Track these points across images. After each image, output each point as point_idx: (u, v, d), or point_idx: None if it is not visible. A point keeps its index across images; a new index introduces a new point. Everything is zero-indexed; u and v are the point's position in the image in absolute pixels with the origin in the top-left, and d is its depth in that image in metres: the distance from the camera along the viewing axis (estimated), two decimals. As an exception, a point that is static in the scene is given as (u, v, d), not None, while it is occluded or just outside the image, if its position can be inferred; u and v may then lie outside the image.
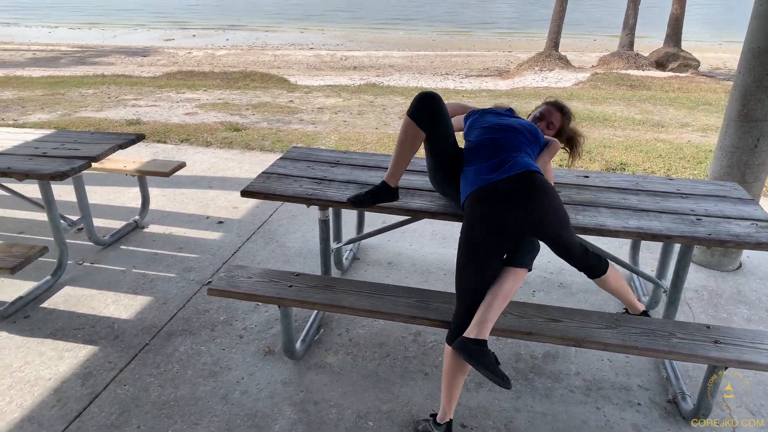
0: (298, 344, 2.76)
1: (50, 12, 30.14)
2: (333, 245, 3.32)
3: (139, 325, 2.97)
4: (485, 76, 14.97)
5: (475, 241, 2.13)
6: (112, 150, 3.25)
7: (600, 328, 2.30)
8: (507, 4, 35.62)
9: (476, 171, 2.24)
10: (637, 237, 2.43)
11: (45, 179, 2.89)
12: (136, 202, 4.33)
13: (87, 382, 2.57)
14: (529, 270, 2.26)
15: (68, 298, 3.17)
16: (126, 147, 3.35)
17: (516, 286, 2.20)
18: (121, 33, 23.95)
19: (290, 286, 2.53)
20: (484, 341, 2.08)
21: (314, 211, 4.20)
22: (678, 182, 2.95)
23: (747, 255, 3.71)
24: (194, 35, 23.56)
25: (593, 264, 2.36)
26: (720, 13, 30.62)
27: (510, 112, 2.61)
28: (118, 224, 3.98)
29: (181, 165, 3.91)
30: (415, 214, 2.61)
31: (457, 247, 2.21)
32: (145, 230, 3.97)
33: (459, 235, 2.20)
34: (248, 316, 3.06)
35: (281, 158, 3.17)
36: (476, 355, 2.05)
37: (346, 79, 12.30)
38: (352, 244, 3.67)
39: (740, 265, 3.64)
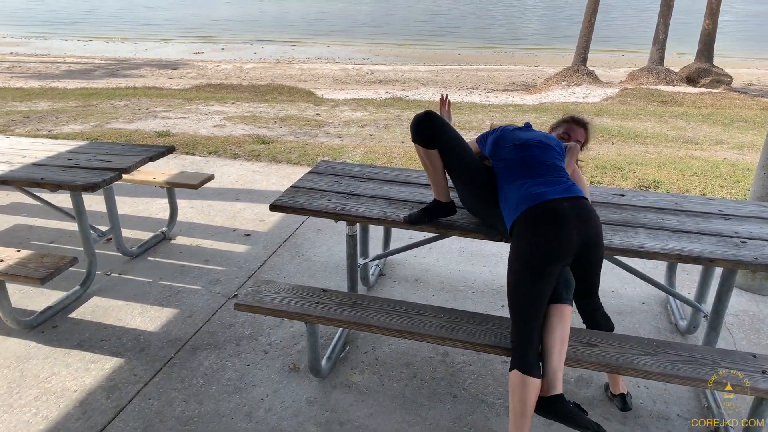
0: (323, 362, 2.71)
1: (85, 26, 31.05)
2: (360, 261, 3.27)
3: (164, 337, 2.95)
4: (511, 90, 14.88)
5: (547, 260, 2.06)
6: (143, 162, 3.27)
7: (639, 354, 2.20)
8: (534, 20, 35.53)
9: (522, 188, 2.19)
10: (677, 259, 2.33)
11: (77, 190, 2.91)
12: (164, 214, 4.35)
13: (112, 395, 2.56)
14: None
15: (96, 309, 3.18)
16: (156, 159, 3.36)
17: (569, 326, 2.15)
18: (152, 46, 24.50)
19: (317, 303, 2.48)
20: (563, 395, 2.04)
21: (340, 226, 4.19)
22: (719, 202, 2.84)
23: (790, 279, 3.55)
24: (223, 48, 23.98)
25: (602, 321, 2.34)
26: (753, 29, 30.01)
27: (528, 126, 2.56)
28: (146, 235, 4.00)
29: (210, 177, 3.92)
30: (444, 231, 2.55)
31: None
32: (173, 242, 3.98)
33: (510, 255, 2.14)
34: (273, 331, 3.03)
35: (309, 172, 3.15)
36: (564, 413, 2.01)
37: (371, 93, 12.35)
38: (378, 260, 3.62)
39: (785, 289, 3.49)
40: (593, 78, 14.88)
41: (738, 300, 3.37)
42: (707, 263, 2.30)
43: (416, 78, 16.33)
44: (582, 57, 15.83)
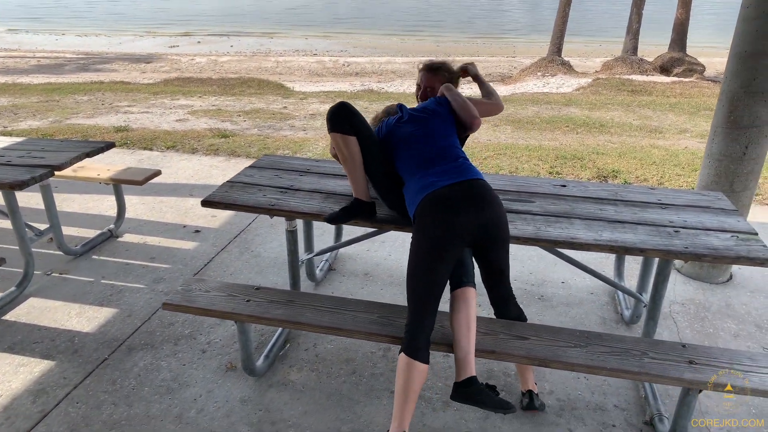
0: (260, 360, 2.65)
1: (61, 19, 30.43)
2: (304, 256, 3.22)
3: (100, 338, 2.88)
4: (488, 82, 14.84)
5: (438, 245, 2.04)
6: (79, 158, 3.17)
7: (569, 347, 2.17)
8: (513, 12, 35.52)
9: (418, 181, 2.17)
10: (610, 250, 2.30)
11: (5, 188, 2.82)
12: (114, 210, 4.25)
13: (39, 399, 2.48)
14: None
15: (31, 310, 3.09)
16: (93, 155, 3.27)
17: (475, 308, 2.15)
18: (127, 40, 24.07)
19: (248, 301, 2.43)
20: (474, 377, 2.04)
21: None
22: (660, 192, 2.82)
23: (738, 266, 3.57)
24: (199, 42, 23.63)
25: (513, 311, 2.33)
26: (727, 18, 30.30)
27: (401, 108, 2.48)
28: (93, 233, 3.90)
29: (156, 173, 3.83)
30: (381, 226, 2.51)
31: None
32: (120, 240, 3.89)
33: (410, 246, 2.12)
34: (213, 330, 2.96)
35: (249, 167, 3.08)
36: (474, 396, 2.01)
37: (346, 85, 12.24)
38: (328, 254, 3.56)
39: (731, 277, 3.50)
40: (568, 68, 14.91)
41: (685, 288, 3.37)
42: (639, 253, 2.28)
43: (393, 70, 16.23)
44: (557, 47, 15.84)
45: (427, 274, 2.05)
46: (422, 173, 2.18)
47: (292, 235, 2.86)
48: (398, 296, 3.26)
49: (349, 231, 3.90)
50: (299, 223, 3.04)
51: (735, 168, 3.17)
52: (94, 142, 3.43)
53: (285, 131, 6.60)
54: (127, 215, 4.17)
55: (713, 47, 20.77)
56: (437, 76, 2.58)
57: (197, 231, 4.02)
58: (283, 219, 3.55)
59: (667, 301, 3.19)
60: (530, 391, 2.43)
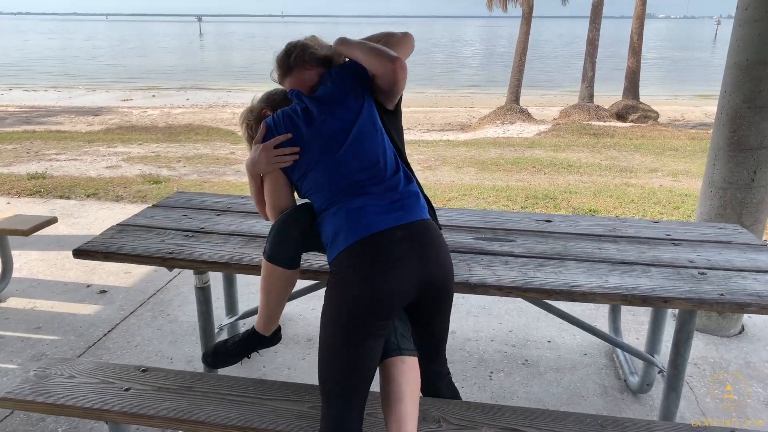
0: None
1: (9, 75, 29.49)
2: (225, 320, 2.52)
3: (-65, 445, 2.09)
4: (447, 130, 14.66)
5: (367, 311, 1.40)
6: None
7: (578, 442, 1.54)
8: (469, 66, 36.42)
9: (342, 213, 1.49)
10: (621, 301, 1.72)
11: None
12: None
13: None
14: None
15: None
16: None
17: (419, 379, 1.54)
18: (78, 94, 23.31)
19: (126, 390, 1.72)
20: None
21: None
22: (666, 225, 2.29)
23: (749, 316, 3.04)
24: (153, 95, 23.07)
25: (447, 391, 1.71)
26: (673, 70, 31.70)
27: (298, 96, 1.63)
28: (-32, 298, 3.11)
29: (50, 221, 3.11)
30: (317, 276, 1.87)
31: None
32: (1, 304, 3.11)
33: (323, 304, 1.48)
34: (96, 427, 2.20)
35: (153, 206, 2.42)
36: None
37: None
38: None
39: (743, 329, 2.96)
40: (527, 116, 14.89)
41: (695, 345, 2.79)
42: (661, 304, 1.70)
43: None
44: (515, 96, 15.91)
45: (352, 353, 1.41)
46: (344, 202, 1.50)
47: (203, 293, 2.18)
48: (348, 367, 2.57)
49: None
50: (216, 278, 2.37)
51: (743, 197, 2.68)
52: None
53: (228, 176, 5.95)
54: (19, 274, 3.41)
55: (663, 96, 21.41)
56: (304, 67, 1.67)
57: (103, 291, 3.27)
58: (212, 275, 2.87)
59: (677, 361, 2.60)
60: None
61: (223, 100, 21.59)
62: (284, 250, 1.62)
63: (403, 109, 1.83)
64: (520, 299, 3.20)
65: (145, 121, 14.63)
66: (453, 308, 3.10)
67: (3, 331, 2.85)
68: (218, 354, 1.85)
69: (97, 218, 4.45)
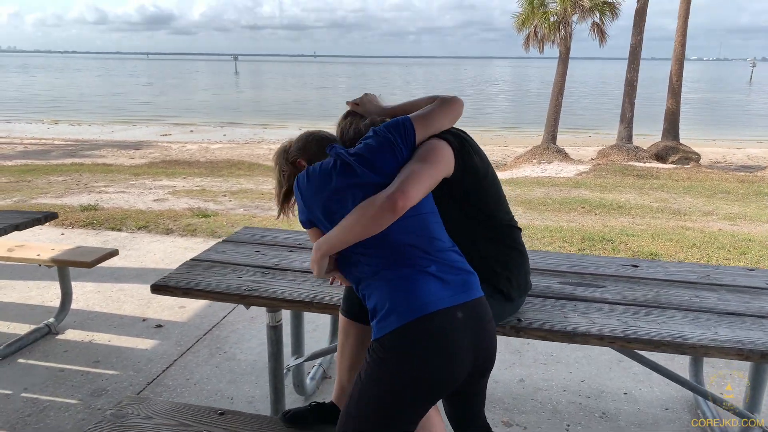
0: None
1: (55, 108, 30.79)
2: (291, 362, 2.44)
3: (-1, 482, 2.03)
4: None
5: (429, 395, 1.32)
6: (4, 231, 2.46)
7: None
8: (501, 106, 36.62)
9: (392, 282, 1.35)
10: (737, 356, 1.58)
11: None
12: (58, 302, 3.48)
13: None
14: None
15: None
16: (24, 228, 2.58)
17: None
18: (120, 129, 24.12)
19: (206, 434, 1.64)
20: None
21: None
22: (764, 273, 2.14)
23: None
24: (191, 131, 23.72)
25: None
26: (710, 113, 31.30)
27: (342, 162, 1.43)
28: (27, 329, 3.11)
29: (111, 253, 3.12)
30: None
31: None
32: (59, 337, 3.09)
33: (370, 375, 1.34)
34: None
35: (223, 241, 2.39)
36: None
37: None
38: (321, 358, 2.78)
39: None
40: (564, 155, 14.75)
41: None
42: (783, 362, 1.56)
43: (386, 157, 16.02)
44: (551, 135, 15.82)
45: (404, 426, 1.33)
46: (393, 271, 1.35)
47: (275, 332, 2.11)
48: (415, 414, 2.45)
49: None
50: (285, 316, 2.30)
51: (838, 245, 2.51)
52: (30, 213, 2.74)
53: (274, 211, 5.96)
54: (75, 306, 3.40)
55: (702, 139, 21.04)
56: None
57: (159, 326, 3.24)
58: (263, 310, 2.81)
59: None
60: None
61: (259, 137, 22.07)
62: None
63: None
64: (587, 346, 3.05)
65: (184, 156, 14.98)
66: (518, 354, 2.97)
67: (63, 364, 2.82)
68: (297, 420, 1.73)
69: (149, 251, 4.47)
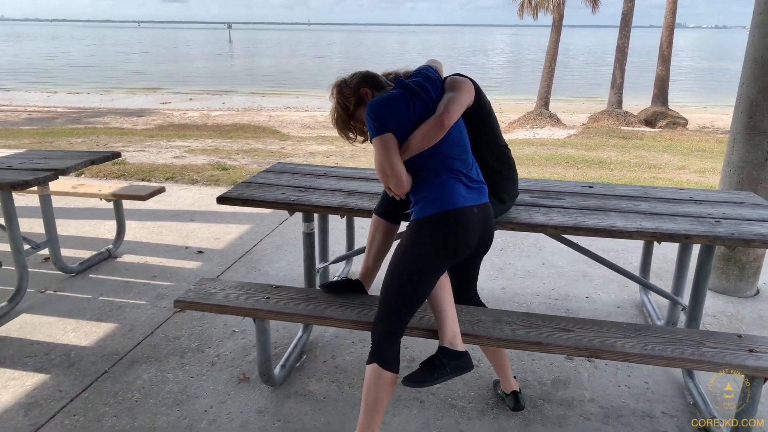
0: (277, 370, 2.44)
1: (52, 78, 30.85)
2: (318, 265, 3.06)
3: (99, 352, 2.65)
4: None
5: (448, 262, 1.92)
6: (83, 164, 3.04)
7: (618, 338, 2.02)
8: (494, 73, 36.81)
9: (445, 182, 1.92)
10: (651, 237, 2.20)
11: (5, 188, 2.66)
12: (112, 234, 4.07)
13: (31, 412, 2.23)
14: None
15: (24, 326, 2.86)
16: (99, 163, 3.15)
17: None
18: (119, 97, 24.36)
19: (267, 299, 2.25)
20: (466, 352, 1.98)
21: (301, 241, 3.97)
22: (689, 191, 2.75)
23: (764, 282, 3.46)
24: (191, 99, 23.95)
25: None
26: (702, 80, 31.69)
27: (426, 77, 2.01)
28: (90, 254, 3.70)
29: (160, 189, 3.70)
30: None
31: None
32: (119, 260, 3.70)
33: (404, 244, 1.90)
34: (223, 342, 2.75)
35: (264, 171, 2.97)
36: (465, 367, 1.96)
37: (335, 135, 12.34)
38: (343, 264, 3.40)
39: (758, 292, 3.38)
40: (556, 121, 15.27)
41: (714, 302, 3.24)
42: (683, 240, 2.17)
43: (384, 123, 16.46)
44: (544, 101, 16.30)
45: (427, 287, 1.91)
46: (448, 175, 1.92)
47: (309, 237, 2.71)
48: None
49: (363, 237, 3.74)
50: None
51: (758, 174, 3.12)
52: (99, 152, 3.30)
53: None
54: (125, 238, 3.99)
55: (692, 104, 21.50)
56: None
57: (200, 252, 3.84)
58: (290, 241, 3.46)
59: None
60: (515, 392, 2.30)
61: (257, 104, 22.39)
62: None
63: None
64: (562, 265, 3.67)
65: (186, 122, 15.41)
66: (501, 271, 3.59)
67: (127, 278, 3.42)
68: (332, 288, 2.31)
69: (179, 197, 5.04)
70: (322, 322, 2.13)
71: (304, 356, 2.65)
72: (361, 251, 3.00)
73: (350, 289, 2.32)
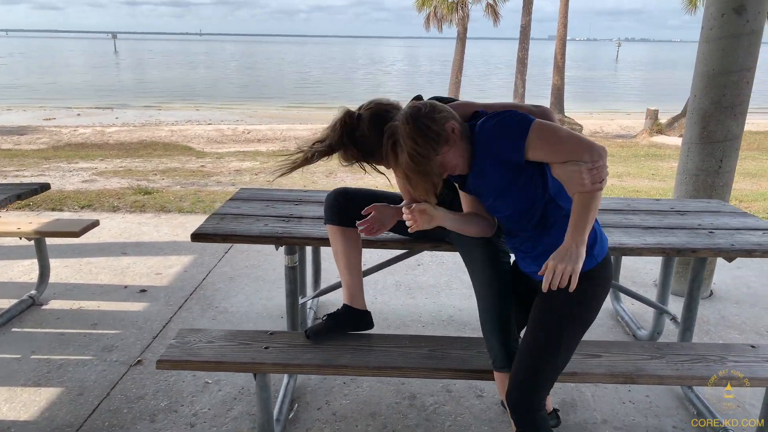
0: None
1: None
2: (306, 297, 2.78)
3: (46, 426, 2.21)
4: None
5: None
6: (8, 201, 2.56)
7: (647, 359, 1.97)
8: (395, 84, 37.51)
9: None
10: (661, 253, 2.19)
11: None
12: (29, 276, 3.52)
13: None
14: None
15: (-61, 402, 2.33)
16: (27, 197, 2.67)
17: None
18: (-8, 113, 21.90)
19: (266, 348, 1.97)
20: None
21: (255, 271, 3.67)
22: (666, 202, 2.81)
23: (714, 282, 3.65)
24: (79, 114, 22.11)
25: None
26: (584, 89, 34.30)
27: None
28: (9, 304, 3.15)
29: (94, 223, 3.23)
30: (413, 247, 2.20)
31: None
32: (45, 307, 3.17)
33: (584, 293, 1.63)
34: (197, 397, 2.41)
35: (231, 199, 2.66)
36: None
37: (262, 148, 11.83)
38: (311, 302, 3.14)
39: (711, 293, 3.56)
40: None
41: (677, 305, 3.35)
42: (690, 254, 2.18)
43: (296, 136, 16.09)
44: (453, 111, 16.76)
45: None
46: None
47: (293, 272, 2.44)
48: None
49: (327, 277, 3.50)
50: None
51: (712, 181, 3.28)
52: (26, 184, 2.81)
53: (213, 186, 6.08)
54: (48, 280, 3.45)
55: (581, 112, 23.12)
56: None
57: (143, 290, 3.40)
58: (243, 272, 3.17)
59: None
60: (555, 410, 2.21)
61: (155, 119, 21.07)
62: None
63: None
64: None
65: (81, 140, 14.12)
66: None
67: (60, 329, 2.94)
68: (315, 333, 2.03)
69: (104, 227, 4.48)
70: (337, 372, 1.90)
71: (296, 405, 2.38)
72: (334, 287, 2.77)
73: (356, 325, 2.09)
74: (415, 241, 2.17)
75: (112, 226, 4.51)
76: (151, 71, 47.35)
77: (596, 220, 1.68)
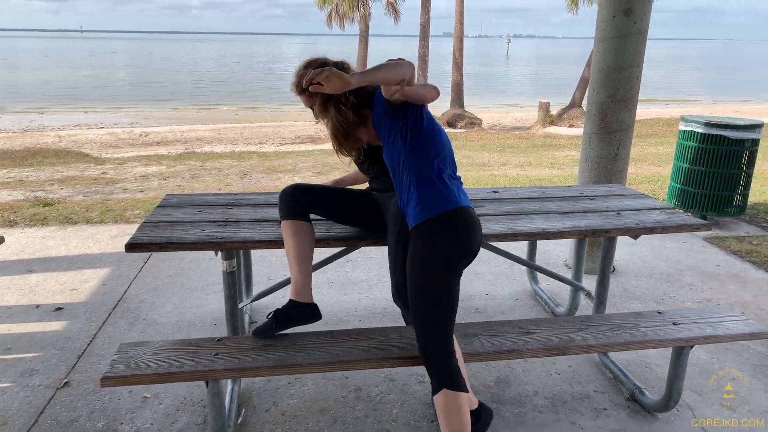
0: (223, 433, 2.13)
1: None
2: (245, 301, 2.74)
3: (-31, 462, 2.04)
4: (299, 143, 15.07)
5: (464, 262, 1.88)
6: None
7: (574, 332, 2.17)
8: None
9: (449, 183, 1.92)
10: (580, 235, 2.41)
11: None
12: None
13: None
14: None
15: None
16: None
17: None
18: None
19: (216, 355, 1.95)
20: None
21: (180, 280, 3.56)
22: (576, 188, 3.07)
23: (616, 258, 4.03)
24: (-56, 121, 19.83)
25: None
26: (478, 82, 35.91)
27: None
28: None
29: (0, 239, 2.98)
30: (355, 243, 2.26)
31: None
32: (-55, 335, 2.89)
33: (417, 257, 1.84)
34: (137, 413, 2.32)
35: (159, 207, 2.57)
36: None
37: (163, 151, 11.27)
38: (245, 306, 3.10)
39: (614, 269, 3.93)
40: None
41: (590, 284, 3.67)
42: (604, 235, 2.42)
43: (198, 137, 15.50)
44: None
45: (455, 292, 1.85)
46: (450, 178, 1.94)
47: (231, 277, 2.41)
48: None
49: (258, 280, 3.45)
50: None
51: (611, 167, 3.62)
52: None
53: (119, 194, 5.74)
54: (-57, 306, 3.14)
55: (477, 105, 24.17)
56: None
57: (59, 309, 3.19)
58: (168, 281, 3.14)
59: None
60: (479, 409, 2.17)
61: (37, 123, 19.37)
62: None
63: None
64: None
65: (-50, 150, 12.71)
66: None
67: (-32, 358, 2.69)
68: (262, 332, 2.05)
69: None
70: (291, 371, 1.92)
71: (243, 410, 2.36)
72: (273, 289, 2.77)
73: (303, 318, 2.10)
74: (360, 239, 2.23)
75: (11, 242, 4.15)
76: (28, 72, 43.33)
77: (442, 189, 1.89)
